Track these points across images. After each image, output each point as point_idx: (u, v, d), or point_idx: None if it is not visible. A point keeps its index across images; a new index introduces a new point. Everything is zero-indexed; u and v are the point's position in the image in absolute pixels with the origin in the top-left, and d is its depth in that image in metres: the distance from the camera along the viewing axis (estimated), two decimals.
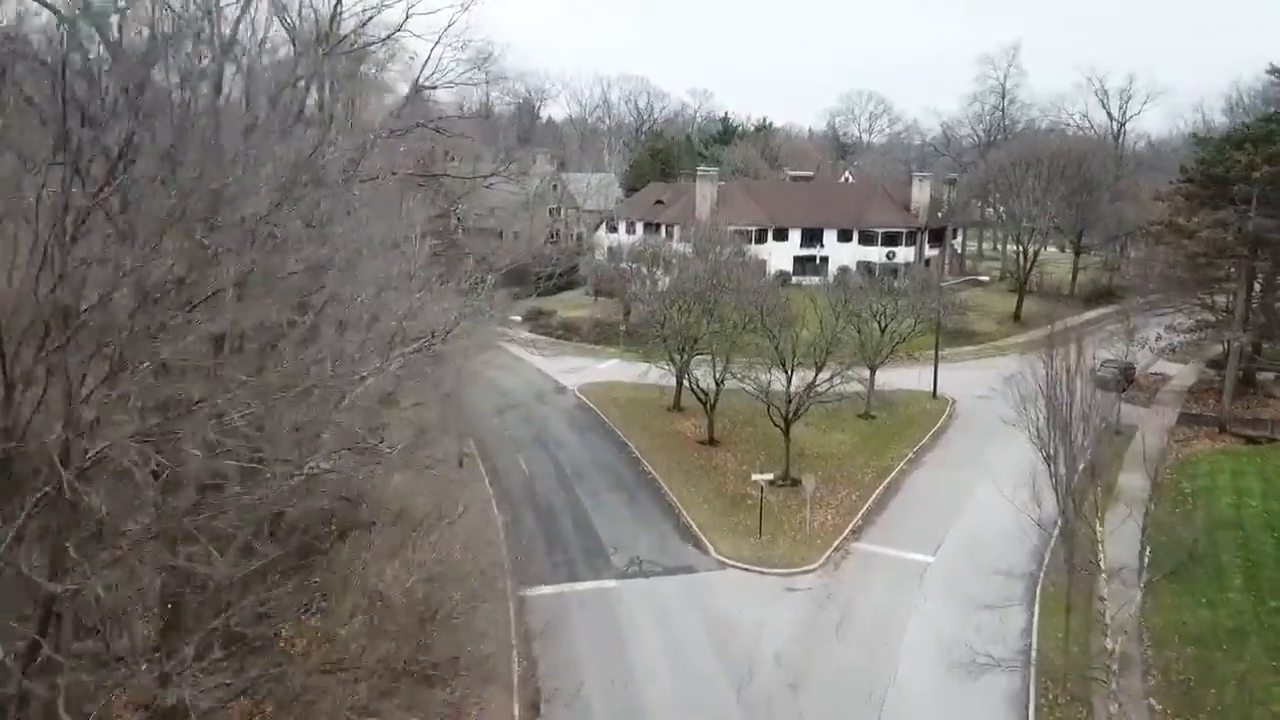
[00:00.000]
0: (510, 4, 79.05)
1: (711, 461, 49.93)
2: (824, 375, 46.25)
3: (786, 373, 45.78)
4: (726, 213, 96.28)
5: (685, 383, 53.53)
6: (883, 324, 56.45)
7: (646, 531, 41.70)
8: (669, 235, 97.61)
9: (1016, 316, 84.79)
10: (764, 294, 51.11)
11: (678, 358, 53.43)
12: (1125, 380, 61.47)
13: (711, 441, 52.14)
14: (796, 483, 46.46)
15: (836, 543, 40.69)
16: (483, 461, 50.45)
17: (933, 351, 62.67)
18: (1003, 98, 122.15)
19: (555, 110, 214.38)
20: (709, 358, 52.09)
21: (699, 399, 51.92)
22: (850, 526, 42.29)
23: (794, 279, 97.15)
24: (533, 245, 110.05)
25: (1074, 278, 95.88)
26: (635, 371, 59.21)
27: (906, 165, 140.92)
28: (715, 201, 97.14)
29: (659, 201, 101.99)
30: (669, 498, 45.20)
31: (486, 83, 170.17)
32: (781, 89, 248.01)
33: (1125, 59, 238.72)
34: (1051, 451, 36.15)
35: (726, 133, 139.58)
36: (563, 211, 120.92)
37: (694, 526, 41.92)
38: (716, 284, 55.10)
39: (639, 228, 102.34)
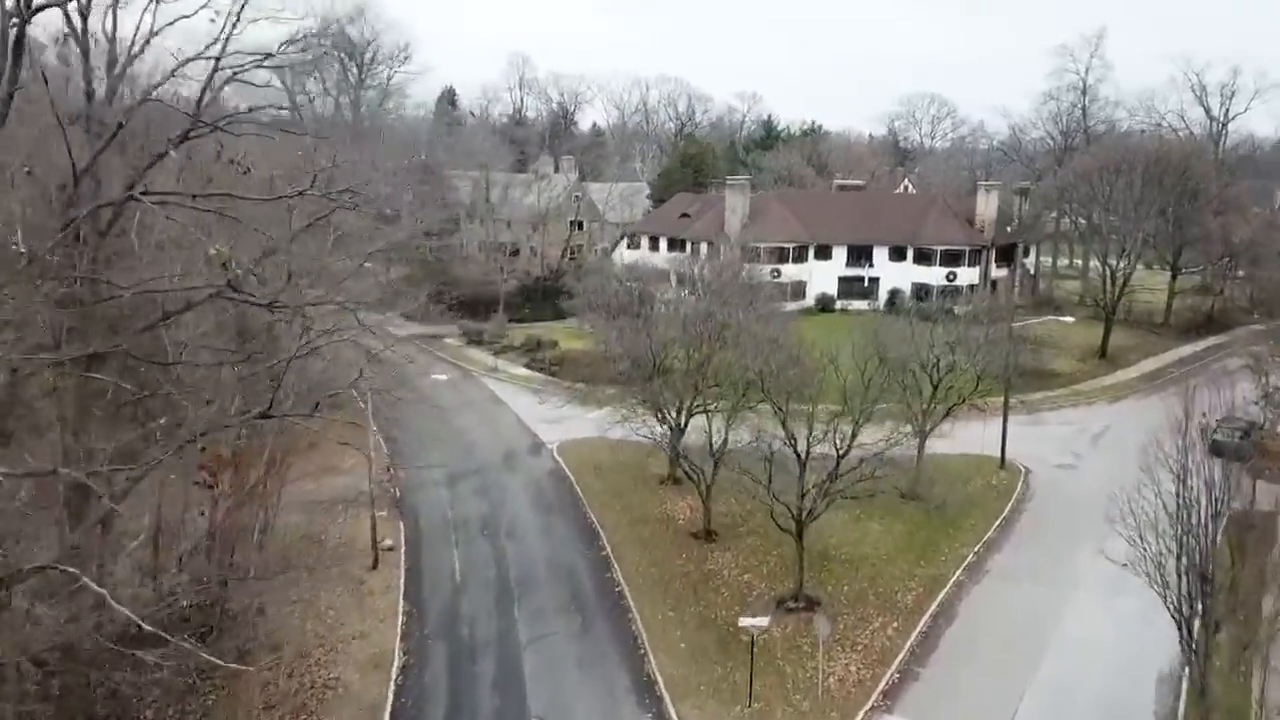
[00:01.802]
0: (546, 4, 68.02)
1: (703, 567, 37.80)
2: (860, 443, 33.90)
3: (799, 458, 33.44)
4: (760, 227, 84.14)
5: (678, 452, 41.37)
6: (936, 378, 43.66)
7: (592, 690, 29.78)
8: (694, 252, 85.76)
9: (1102, 353, 71.00)
10: (771, 345, 38.61)
11: (668, 416, 41.55)
12: (1249, 445, 47.72)
13: (707, 535, 40.03)
14: (813, 604, 34.26)
15: (859, 718, 28.38)
16: (406, 559, 39.08)
17: (1000, 397, 49.42)
18: (1083, 94, 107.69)
19: (594, 116, 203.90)
20: (709, 414, 40.36)
21: (691, 478, 39.84)
22: (881, 687, 29.89)
23: (838, 304, 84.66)
24: (546, 262, 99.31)
25: (1169, 304, 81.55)
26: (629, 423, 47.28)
27: (971, 172, 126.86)
28: (747, 214, 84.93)
29: (685, 214, 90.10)
30: (636, 628, 33.22)
31: (521, 88, 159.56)
32: (837, 92, 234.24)
33: (1227, 50, 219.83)
34: (1182, 608, 24.09)
35: (769, 137, 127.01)
36: (585, 224, 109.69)
37: (659, 683, 29.90)
38: (714, 329, 43.05)
39: (663, 243, 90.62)
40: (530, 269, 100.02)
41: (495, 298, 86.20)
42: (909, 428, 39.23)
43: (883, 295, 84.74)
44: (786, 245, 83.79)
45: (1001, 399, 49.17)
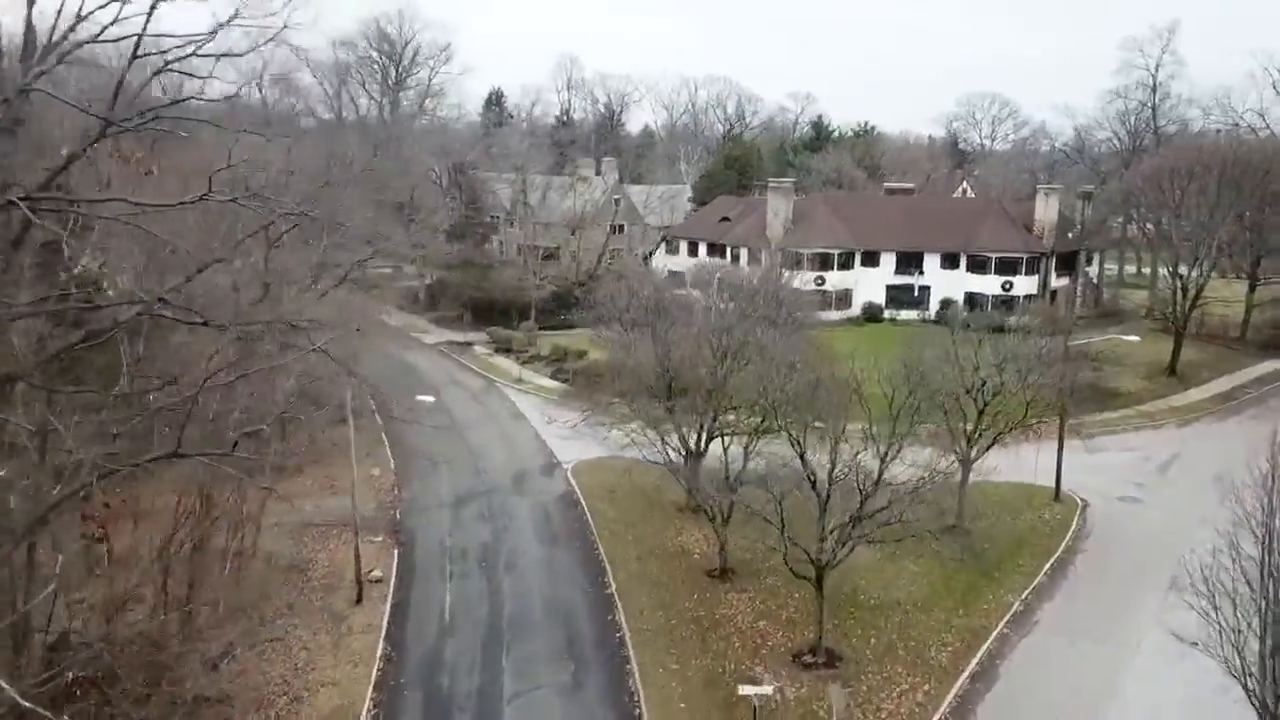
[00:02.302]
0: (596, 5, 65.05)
1: (715, 611, 34.19)
2: (891, 477, 30.05)
3: (819, 496, 29.64)
4: (803, 232, 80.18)
5: (690, 484, 37.72)
6: (981, 402, 39.42)
7: None
8: (734, 259, 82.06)
9: (1171, 370, 65.70)
10: (787, 368, 34.76)
11: (683, 440, 38.02)
12: None
13: (723, 573, 36.41)
14: (834, 660, 30.53)
15: None
16: (396, 593, 36.08)
17: (1055, 418, 44.86)
18: (1153, 92, 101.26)
19: (642, 117, 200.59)
20: (725, 439, 36.88)
21: (706, 514, 36.18)
22: None
23: (885, 313, 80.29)
24: (582, 267, 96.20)
25: (1246, 316, 75.69)
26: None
27: (1032, 175, 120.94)
28: (790, 219, 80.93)
29: (725, 218, 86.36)
30: (633, 683, 29.75)
31: (568, 89, 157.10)
32: (896, 93, 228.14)
33: None
34: (1266, 698, 20.07)
35: (819, 138, 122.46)
36: (624, 228, 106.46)
37: None
38: (732, 345, 39.28)
39: (702, 249, 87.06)
40: (567, 274, 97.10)
41: (529, 304, 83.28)
42: (947, 461, 35.08)
43: (934, 305, 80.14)
44: (831, 251, 79.65)
45: (1055, 419, 44.68)
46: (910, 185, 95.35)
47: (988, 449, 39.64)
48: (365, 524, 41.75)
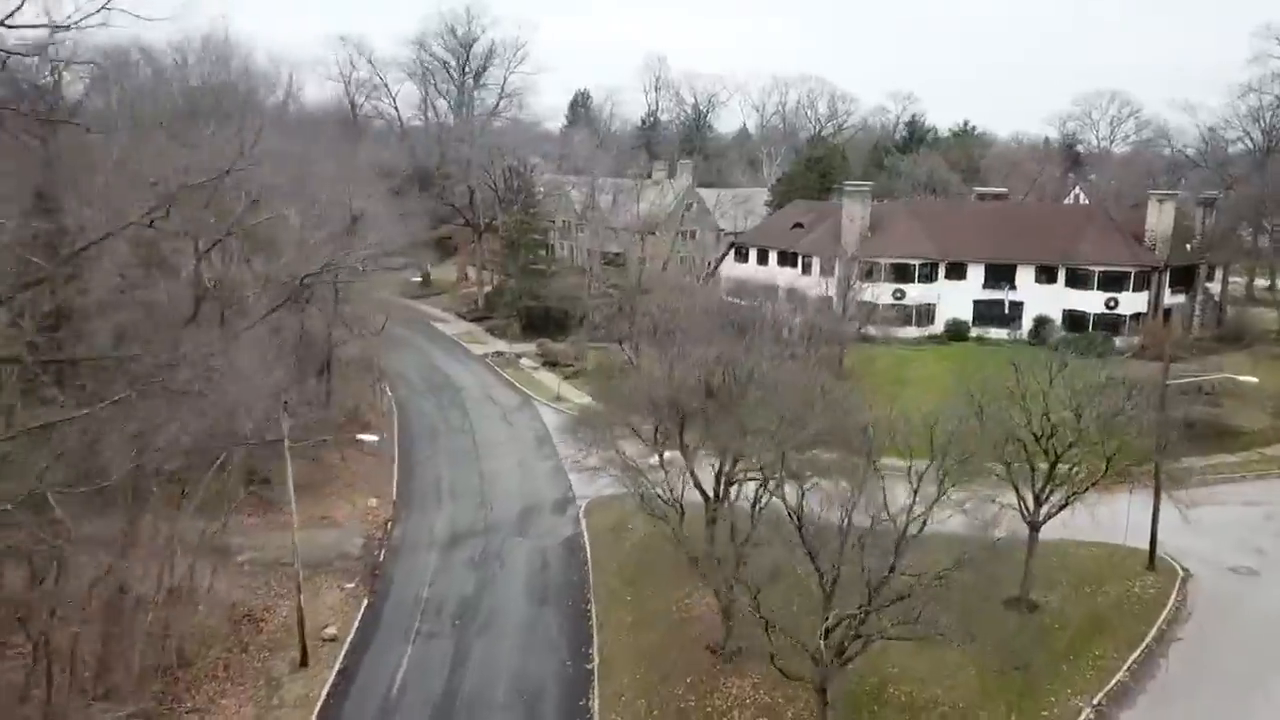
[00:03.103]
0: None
1: (708, 701, 28.42)
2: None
3: (821, 578, 23.55)
4: (882, 240, 73.16)
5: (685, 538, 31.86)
6: (1054, 453, 32.46)
7: None
8: (805, 268, 75.63)
9: None
10: (803, 405, 28.64)
11: (685, 482, 32.26)
12: None
13: (727, 651, 30.54)
14: None
15: None
16: (348, 655, 31.50)
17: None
18: None
19: (730, 118, 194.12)
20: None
21: (706, 578, 30.32)
22: None
23: (972, 331, 72.61)
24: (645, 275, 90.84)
25: None
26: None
27: (1152, 180, 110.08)
28: (867, 226, 73.98)
29: (798, 224, 79.83)
30: None
31: (656, 90, 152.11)
32: (1006, 91, 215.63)
33: None
34: None
35: (912, 140, 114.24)
36: (697, 234, 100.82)
37: None
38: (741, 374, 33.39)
39: (772, 257, 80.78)
40: (627, 282, 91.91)
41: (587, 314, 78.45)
42: (1002, 522, 28.45)
43: (1027, 323, 72.04)
44: (911, 262, 72.38)
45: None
46: (1003, 190, 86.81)
47: (1058, 511, 32.71)
48: (342, 567, 37.63)
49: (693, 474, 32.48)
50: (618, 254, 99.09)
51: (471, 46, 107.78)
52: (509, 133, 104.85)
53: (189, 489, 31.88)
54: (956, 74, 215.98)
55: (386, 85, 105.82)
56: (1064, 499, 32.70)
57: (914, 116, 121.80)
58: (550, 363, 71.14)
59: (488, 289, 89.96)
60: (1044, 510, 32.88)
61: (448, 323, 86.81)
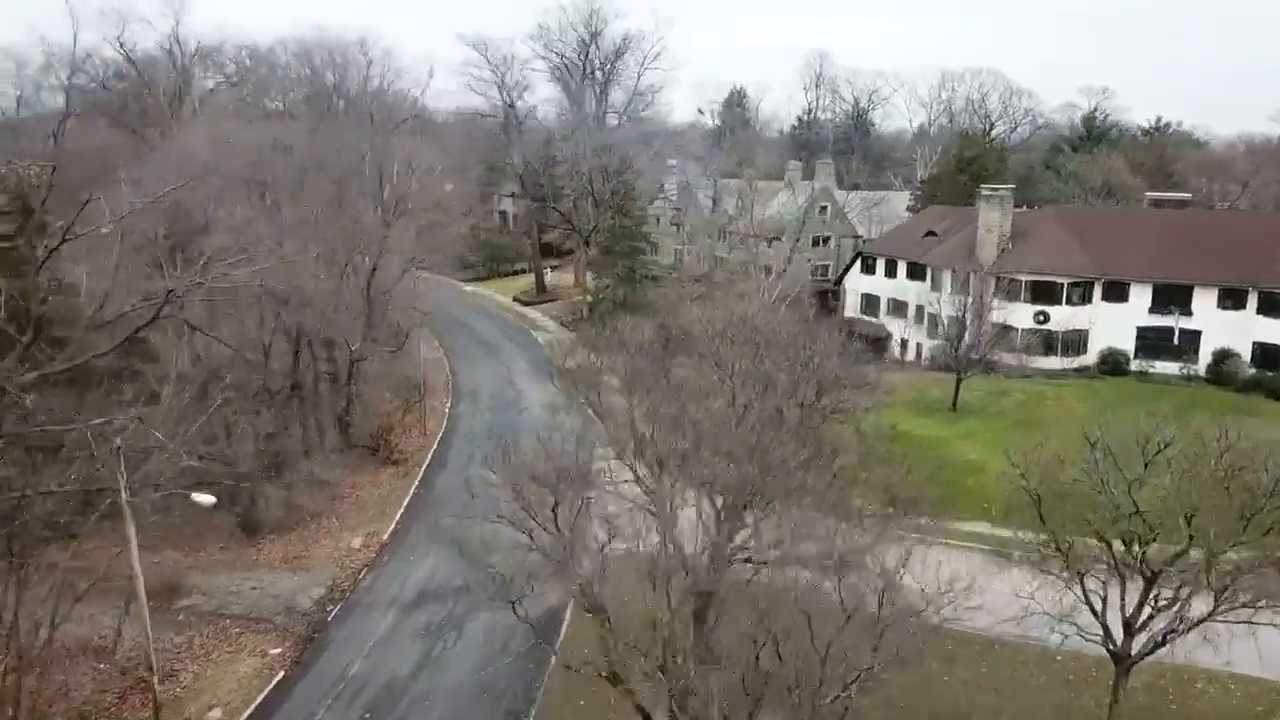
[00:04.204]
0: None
1: None
2: None
3: None
4: (1024, 253, 62.44)
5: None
6: (1148, 568, 22.89)
7: None
8: (934, 283, 65.73)
9: None
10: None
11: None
12: None
13: None
14: None
15: None
16: None
17: None
18: None
19: (895, 116, 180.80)
20: None
21: None
22: None
23: (1133, 364, 60.89)
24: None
25: None
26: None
27: None
28: (1008, 236, 63.35)
29: (930, 232, 69.83)
30: None
31: (816, 88, 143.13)
32: (1234, 90, 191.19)
33: None
34: None
35: (1090, 137, 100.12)
36: (831, 240, 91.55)
37: None
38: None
39: (901, 268, 71.16)
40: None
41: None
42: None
43: (1204, 356, 59.52)
44: (1059, 279, 61.26)
45: None
46: (1184, 196, 72.97)
47: (1159, 646, 23.25)
48: (283, 625, 32.58)
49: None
50: (744, 262, 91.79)
51: (595, 39, 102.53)
52: (635, 133, 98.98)
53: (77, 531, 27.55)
54: (1168, 71, 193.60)
55: (502, 82, 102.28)
56: (1168, 630, 23.19)
57: (1093, 112, 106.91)
58: None
59: (589, 298, 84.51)
60: (1137, 641, 23.54)
61: (548, 331, 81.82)
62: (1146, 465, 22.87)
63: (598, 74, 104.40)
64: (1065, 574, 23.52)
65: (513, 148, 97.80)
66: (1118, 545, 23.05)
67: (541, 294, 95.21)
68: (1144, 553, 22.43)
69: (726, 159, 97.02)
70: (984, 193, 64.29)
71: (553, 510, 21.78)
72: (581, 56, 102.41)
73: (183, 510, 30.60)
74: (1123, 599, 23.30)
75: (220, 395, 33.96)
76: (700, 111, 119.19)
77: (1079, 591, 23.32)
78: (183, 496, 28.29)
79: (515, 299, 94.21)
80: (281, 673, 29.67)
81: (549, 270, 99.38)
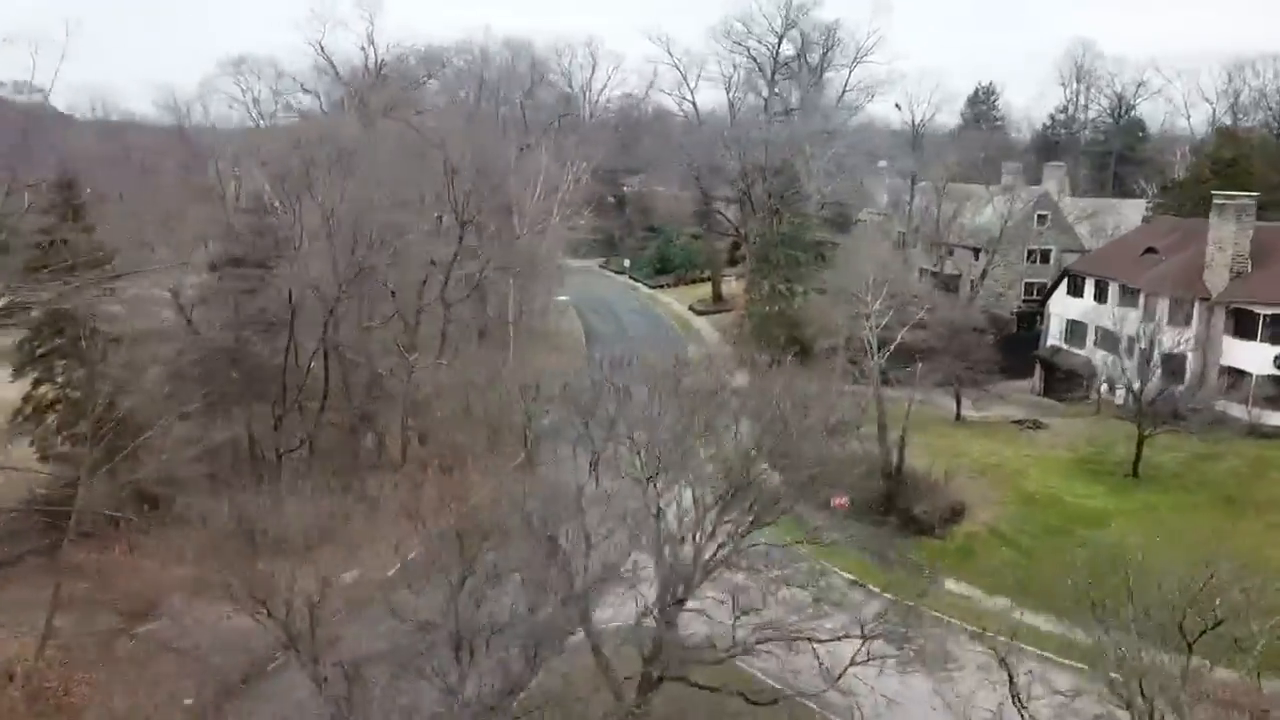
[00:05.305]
0: None
1: None
2: None
3: None
4: (1264, 279, 49.29)
5: None
6: None
7: None
8: (1148, 311, 53.42)
9: None
10: None
11: None
12: None
13: None
14: None
15: None
16: None
17: None
18: None
19: (1162, 109, 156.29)
20: None
21: None
22: None
23: None
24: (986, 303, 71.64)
25: None
26: None
27: None
28: (1244, 255, 50.20)
29: (1150, 249, 57.14)
30: None
31: (1076, 81, 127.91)
32: None
33: None
34: None
35: None
36: (1053, 254, 78.57)
37: None
38: None
39: (1112, 291, 58.84)
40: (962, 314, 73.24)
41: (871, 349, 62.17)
42: None
43: None
44: None
45: None
46: None
47: None
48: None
49: None
50: (955, 275, 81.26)
51: (787, 31, 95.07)
52: (809, 129, 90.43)
53: None
54: None
55: (685, 77, 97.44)
56: None
57: None
58: None
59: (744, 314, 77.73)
60: None
61: (706, 345, 75.80)
62: None
63: (793, 65, 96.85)
64: None
65: (728, 149, 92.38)
66: None
67: (716, 302, 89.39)
68: None
69: (957, 161, 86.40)
70: (1217, 202, 51.31)
71: None
72: (773, 55, 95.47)
73: None
74: None
75: None
76: (897, 107, 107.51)
77: None
78: None
79: (690, 307, 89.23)
80: None
81: (733, 279, 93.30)
